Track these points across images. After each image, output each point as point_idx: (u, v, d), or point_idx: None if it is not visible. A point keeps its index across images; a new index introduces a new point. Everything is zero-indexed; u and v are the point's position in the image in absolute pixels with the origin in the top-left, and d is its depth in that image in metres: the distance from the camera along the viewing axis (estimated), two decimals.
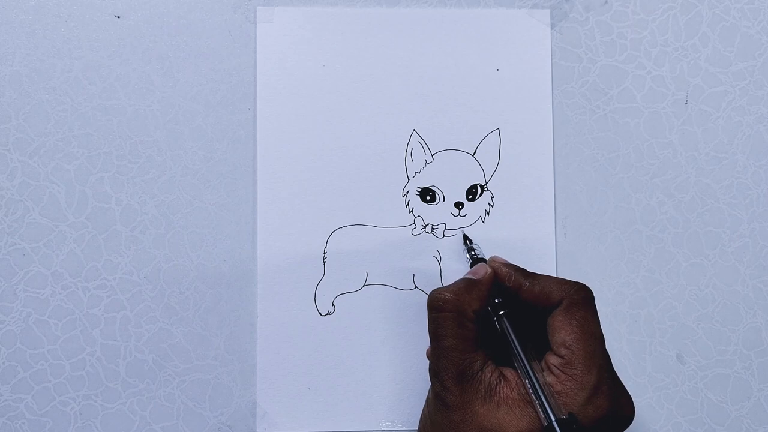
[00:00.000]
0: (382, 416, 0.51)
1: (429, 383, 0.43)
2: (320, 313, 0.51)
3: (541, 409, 0.39)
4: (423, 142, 0.52)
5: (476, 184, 0.52)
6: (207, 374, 0.51)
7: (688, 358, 0.52)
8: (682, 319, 0.52)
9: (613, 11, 0.53)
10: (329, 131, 0.52)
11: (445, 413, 0.41)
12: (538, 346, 0.43)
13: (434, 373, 0.42)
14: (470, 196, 0.52)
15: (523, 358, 0.41)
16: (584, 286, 0.43)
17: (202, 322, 0.51)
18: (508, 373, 0.42)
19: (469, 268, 0.49)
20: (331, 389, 0.51)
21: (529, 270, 0.45)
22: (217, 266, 0.51)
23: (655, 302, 0.52)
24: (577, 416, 0.39)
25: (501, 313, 0.43)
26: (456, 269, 0.51)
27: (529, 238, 0.52)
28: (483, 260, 0.48)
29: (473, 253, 0.49)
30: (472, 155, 0.52)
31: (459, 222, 0.52)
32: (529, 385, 0.40)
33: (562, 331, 0.42)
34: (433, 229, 0.52)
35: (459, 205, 0.52)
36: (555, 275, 0.51)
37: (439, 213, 0.52)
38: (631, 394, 0.43)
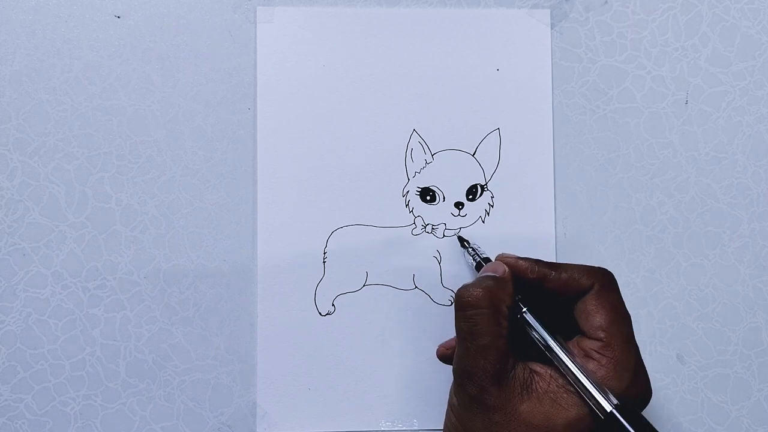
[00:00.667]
0: (382, 416, 0.51)
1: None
2: (320, 313, 0.51)
3: (590, 401, 0.39)
4: (423, 142, 0.52)
5: (476, 184, 0.52)
6: (207, 374, 0.51)
7: (688, 358, 0.52)
8: (682, 319, 0.52)
9: (613, 11, 0.53)
10: (329, 131, 0.52)
11: (485, 415, 0.40)
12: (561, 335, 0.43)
13: (467, 375, 0.41)
14: (470, 196, 0.52)
15: (560, 349, 0.41)
16: (608, 270, 0.43)
17: (202, 322, 0.51)
18: (537, 367, 0.42)
19: (471, 270, 0.49)
20: (331, 389, 0.51)
21: None
22: (217, 266, 0.51)
23: (655, 302, 0.52)
24: (623, 398, 0.40)
25: (524, 309, 0.43)
26: (456, 269, 0.51)
27: (529, 238, 0.52)
28: (489, 259, 0.47)
29: (478, 253, 0.48)
30: (472, 155, 0.52)
31: (459, 222, 0.52)
32: (575, 374, 0.40)
33: (597, 315, 0.42)
34: (433, 229, 0.52)
35: (459, 205, 0.52)
36: None
37: (439, 213, 0.52)
38: None
